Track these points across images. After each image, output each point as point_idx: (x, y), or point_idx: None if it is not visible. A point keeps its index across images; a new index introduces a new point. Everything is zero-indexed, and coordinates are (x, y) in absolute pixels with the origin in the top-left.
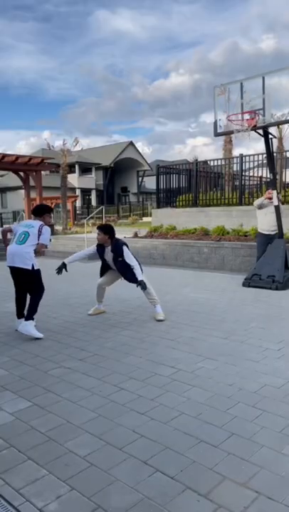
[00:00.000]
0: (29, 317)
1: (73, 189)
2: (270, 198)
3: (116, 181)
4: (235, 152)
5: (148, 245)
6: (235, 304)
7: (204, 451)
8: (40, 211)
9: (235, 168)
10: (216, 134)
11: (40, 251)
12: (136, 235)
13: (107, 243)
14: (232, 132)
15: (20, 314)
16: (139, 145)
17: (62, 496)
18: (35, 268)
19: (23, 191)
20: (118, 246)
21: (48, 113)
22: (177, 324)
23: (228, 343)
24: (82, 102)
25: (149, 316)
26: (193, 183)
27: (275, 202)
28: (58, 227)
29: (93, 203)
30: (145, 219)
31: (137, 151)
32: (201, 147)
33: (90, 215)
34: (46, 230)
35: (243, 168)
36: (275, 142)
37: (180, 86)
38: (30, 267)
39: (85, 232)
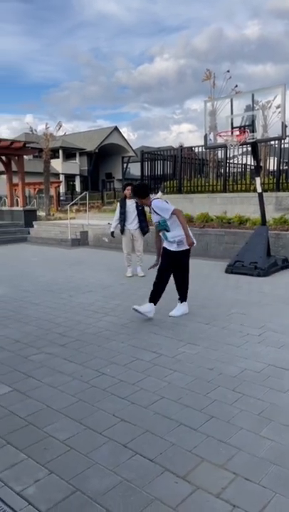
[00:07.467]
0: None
1: (57, 175)
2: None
3: (100, 167)
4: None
5: None
6: (217, 290)
7: (183, 434)
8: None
9: (220, 156)
10: (207, 147)
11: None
12: None
13: None
14: (221, 146)
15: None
16: (124, 131)
17: (40, 480)
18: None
19: (5, 176)
20: None
21: (30, 96)
22: (160, 310)
23: (210, 329)
24: (66, 85)
25: (133, 301)
26: (178, 170)
27: (259, 189)
28: (41, 213)
29: (77, 188)
30: None
31: (122, 136)
32: (186, 134)
33: (74, 201)
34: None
35: (228, 155)
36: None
37: (165, 71)
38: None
39: (68, 218)
